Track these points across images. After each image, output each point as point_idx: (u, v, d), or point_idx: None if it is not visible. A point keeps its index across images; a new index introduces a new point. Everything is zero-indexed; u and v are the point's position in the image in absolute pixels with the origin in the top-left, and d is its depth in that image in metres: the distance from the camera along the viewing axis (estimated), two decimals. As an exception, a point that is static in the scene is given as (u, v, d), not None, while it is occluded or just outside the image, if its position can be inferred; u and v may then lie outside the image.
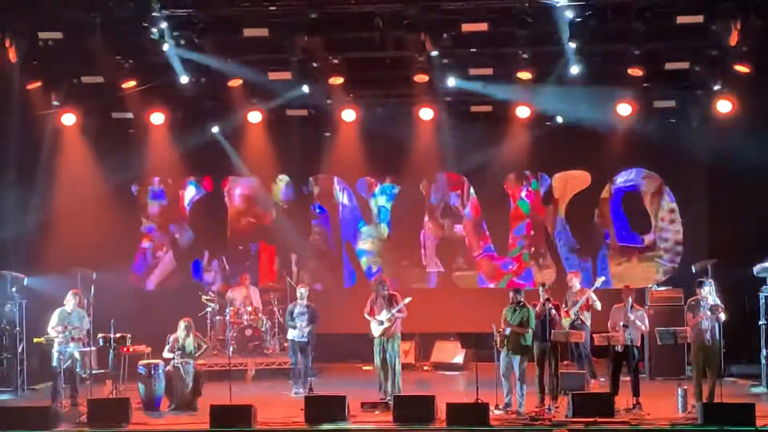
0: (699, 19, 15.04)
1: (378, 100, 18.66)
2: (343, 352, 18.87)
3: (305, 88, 17.37)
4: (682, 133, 18.79)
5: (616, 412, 13.20)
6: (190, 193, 20.18)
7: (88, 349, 14.83)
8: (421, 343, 18.80)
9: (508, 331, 13.69)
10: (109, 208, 19.19)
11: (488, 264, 19.75)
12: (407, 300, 14.59)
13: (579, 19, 14.89)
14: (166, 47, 15.58)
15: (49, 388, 14.77)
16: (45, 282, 16.43)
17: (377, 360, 14.64)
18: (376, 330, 14.58)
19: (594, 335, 14.44)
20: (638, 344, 14.16)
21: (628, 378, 14.00)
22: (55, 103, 17.44)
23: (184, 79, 16.79)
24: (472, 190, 19.80)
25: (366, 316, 14.67)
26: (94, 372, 14.68)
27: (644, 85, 17.33)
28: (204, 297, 18.09)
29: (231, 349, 16.00)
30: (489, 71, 16.83)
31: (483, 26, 15.20)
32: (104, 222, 19.08)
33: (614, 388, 13.94)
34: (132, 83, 16.96)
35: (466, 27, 15.19)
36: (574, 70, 16.32)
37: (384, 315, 14.50)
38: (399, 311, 14.49)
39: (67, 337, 14.48)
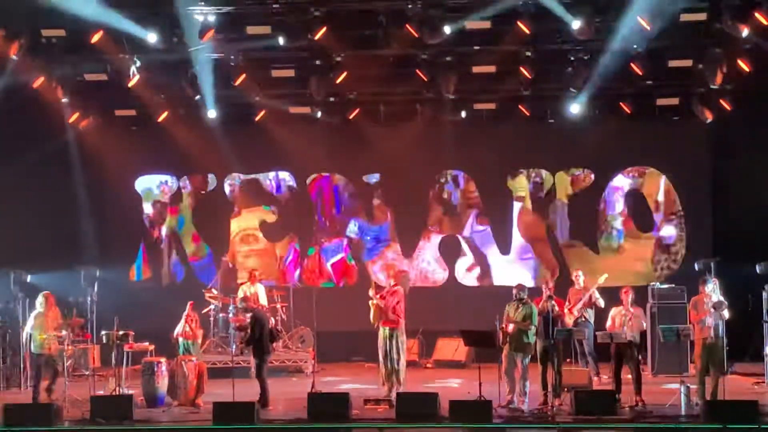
0: (702, 16, 15.02)
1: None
2: (346, 349, 18.85)
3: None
4: (686, 131, 18.78)
5: (619, 408, 13.20)
6: (192, 190, 20.19)
7: (90, 346, 14.85)
8: (423, 341, 18.77)
9: (510, 327, 13.69)
10: (112, 205, 19.21)
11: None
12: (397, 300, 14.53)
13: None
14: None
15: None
16: (48, 279, 16.43)
17: (381, 357, 14.65)
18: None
19: (596, 333, 14.44)
20: (638, 342, 14.15)
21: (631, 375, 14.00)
22: (64, 100, 17.49)
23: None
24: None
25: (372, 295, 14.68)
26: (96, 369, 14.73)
27: (647, 83, 17.33)
28: (207, 294, 18.06)
29: (234, 346, 15.98)
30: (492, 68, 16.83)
31: (486, 24, 15.21)
32: (107, 219, 19.10)
33: (617, 386, 13.94)
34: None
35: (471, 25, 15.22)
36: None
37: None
38: (381, 297, 14.45)
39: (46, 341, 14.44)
